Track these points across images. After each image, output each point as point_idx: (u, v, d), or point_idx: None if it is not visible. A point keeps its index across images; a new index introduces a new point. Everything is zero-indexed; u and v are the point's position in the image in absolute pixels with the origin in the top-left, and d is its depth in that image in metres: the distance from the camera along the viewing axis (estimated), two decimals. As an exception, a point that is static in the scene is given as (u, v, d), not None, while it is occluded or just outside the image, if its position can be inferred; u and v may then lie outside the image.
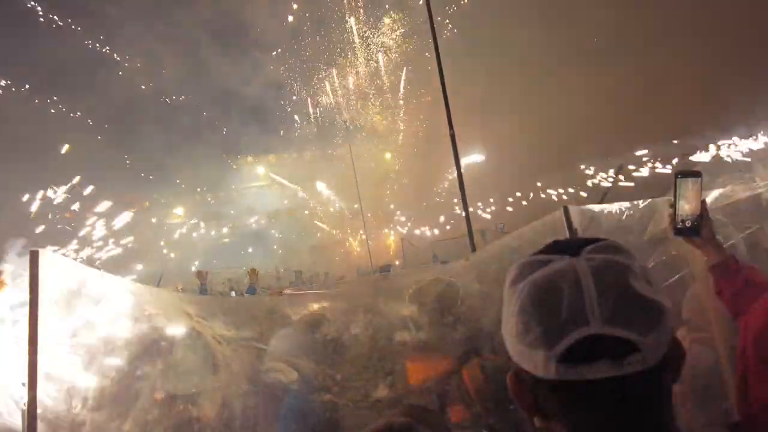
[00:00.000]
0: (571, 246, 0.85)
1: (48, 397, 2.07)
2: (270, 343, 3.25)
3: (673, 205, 1.95)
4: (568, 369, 0.76)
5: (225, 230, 40.90)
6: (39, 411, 1.96)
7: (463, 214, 6.44)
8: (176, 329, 2.91)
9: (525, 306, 0.81)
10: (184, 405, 2.61)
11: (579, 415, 0.79)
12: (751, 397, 1.59)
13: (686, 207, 1.94)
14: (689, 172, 1.96)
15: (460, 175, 6.67)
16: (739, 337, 1.69)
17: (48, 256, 2.13)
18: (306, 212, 38.45)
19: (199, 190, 40.55)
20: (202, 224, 40.76)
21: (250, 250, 35.38)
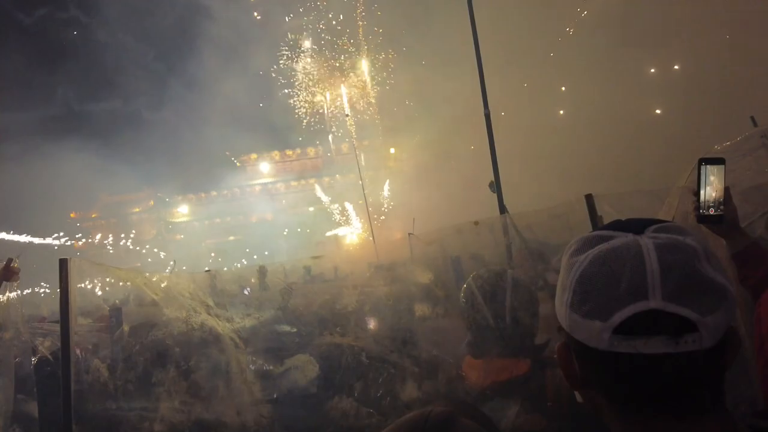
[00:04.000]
0: (634, 224, 0.85)
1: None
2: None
3: (697, 192, 1.93)
4: (622, 341, 0.76)
5: (229, 229, 40.88)
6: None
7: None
8: (193, 336, 2.87)
9: (584, 276, 0.80)
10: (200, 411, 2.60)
11: (624, 387, 0.78)
12: None
13: (710, 194, 1.91)
14: (713, 158, 1.94)
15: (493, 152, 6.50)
16: (755, 330, 1.66)
17: (77, 264, 2.13)
18: (311, 209, 38.38)
19: (203, 188, 40.56)
20: (206, 222, 40.78)
21: (253, 248, 35.43)
